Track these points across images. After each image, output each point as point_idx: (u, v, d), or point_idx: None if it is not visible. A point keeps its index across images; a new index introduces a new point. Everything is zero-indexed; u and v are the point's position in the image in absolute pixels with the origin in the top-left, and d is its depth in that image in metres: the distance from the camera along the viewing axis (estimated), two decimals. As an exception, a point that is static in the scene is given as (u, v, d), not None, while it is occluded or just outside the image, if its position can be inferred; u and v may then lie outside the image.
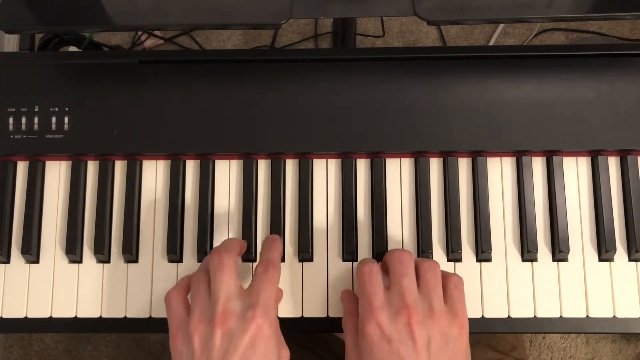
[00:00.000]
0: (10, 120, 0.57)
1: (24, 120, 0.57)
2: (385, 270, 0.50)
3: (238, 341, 0.44)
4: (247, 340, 0.44)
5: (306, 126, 0.56)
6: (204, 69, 0.58)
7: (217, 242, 0.56)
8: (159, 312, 0.55)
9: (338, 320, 0.53)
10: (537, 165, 0.57)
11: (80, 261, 0.56)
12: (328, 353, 0.74)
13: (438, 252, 0.55)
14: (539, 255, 0.55)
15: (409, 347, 0.44)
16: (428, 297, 0.47)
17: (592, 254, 0.55)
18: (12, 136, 0.56)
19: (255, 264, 0.55)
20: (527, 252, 0.54)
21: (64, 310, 0.55)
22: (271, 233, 0.55)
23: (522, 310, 0.54)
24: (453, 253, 0.54)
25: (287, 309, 0.54)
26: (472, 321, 0.54)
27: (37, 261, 0.56)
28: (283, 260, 0.56)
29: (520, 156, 0.56)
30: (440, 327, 0.45)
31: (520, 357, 0.75)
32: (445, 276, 0.50)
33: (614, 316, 0.54)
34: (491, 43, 1.33)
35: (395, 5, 0.55)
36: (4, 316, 0.55)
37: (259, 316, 0.44)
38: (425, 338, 0.44)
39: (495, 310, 0.54)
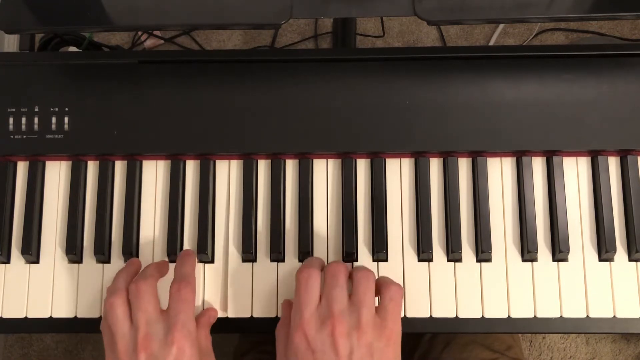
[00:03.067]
0: (10, 120, 0.57)
1: (24, 120, 0.57)
2: None
3: None
4: None
5: (306, 126, 0.56)
6: (204, 69, 0.58)
7: (217, 242, 0.56)
8: (159, 312, 0.55)
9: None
10: (537, 165, 0.57)
11: (80, 261, 0.56)
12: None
13: (438, 252, 0.55)
14: (539, 255, 0.55)
15: (331, 357, 0.45)
16: (357, 308, 0.47)
17: (592, 254, 0.55)
18: (12, 136, 0.56)
19: (254, 264, 0.55)
20: (527, 252, 0.54)
21: (64, 310, 0.55)
22: (271, 233, 0.55)
23: (522, 310, 0.54)
24: (453, 253, 0.54)
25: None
26: (472, 321, 0.54)
27: (37, 261, 0.56)
28: (283, 260, 0.56)
29: (520, 156, 0.56)
30: (365, 338, 0.45)
31: (516, 356, 0.75)
32: (383, 286, 0.49)
33: (614, 316, 0.54)
34: (491, 43, 1.33)
35: (395, 5, 0.55)
36: (4, 316, 0.55)
37: (178, 339, 0.46)
38: (347, 349, 0.45)
39: (495, 310, 0.54)
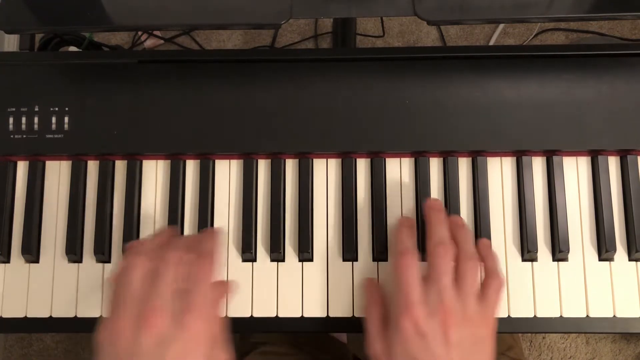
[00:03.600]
0: (10, 120, 0.57)
1: (24, 120, 0.57)
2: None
3: (169, 346, 0.42)
4: (179, 346, 0.42)
5: (306, 126, 0.56)
6: (204, 69, 0.58)
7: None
8: (159, 312, 0.55)
9: (340, 320, 0.53)
10: (537, 165, 0.57)
11: (80, 261, 0.56)
12: (324, 354, 0.74)
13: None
14: (539, 255, 0.55)
15: (442, 345, 0.45)
16: (464, 297, 0.47)
17: (592, 253, 0.55)
18: (12, 136, 0.56)
19: (254, 264, 0.55)
20: (527, 252, 0.54)
21: (64, 310, 0.55)
22: (271, 233, 0.55)
23: (522, 310, 0.54)
24: (453, 253, 0.54)
25: (288, 309, 0.54)
26: (472, 321, 0.54)
27: (37, 261, 0.56)
28: (283, 260, 0.56)
29: (520, 156, 0.56)
30: (472, 327, 0.46)
31: (517, 356, 0.75)
32: (489, 274, 0.50)
33: (614, 316, 0.54)
34: (491, 43, 1.33)
35: (395, 5, 0.55)
36: (4, 316, 0.55)
37: (193, 320, 0.43)
38: (457, 338, 0.45)
39: (495, 310, 0.54)
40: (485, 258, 0.51)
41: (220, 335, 0.46)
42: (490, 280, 0.50)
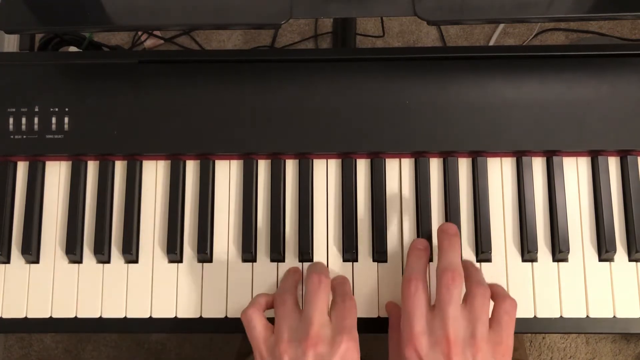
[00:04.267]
0: (10, 120, 0.57)
1: (24, 120, 0.57)
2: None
3: None
4: None
5: (306, 126, 0.56)
6: (204, 69, 0.58)
7: (217, 242, 0.56)
8: (159, 312, 0.55)
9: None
10: (537, 165, 0.57)
11: (80, 261, 0.56)
12: None
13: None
14: (539, 255, 0.55)
15: None
16: (472, 323, 0.46)
17: (592, 254, 0.55)
18: (12, 136, 0.56)
19: (254, 265, 0.55)
20: (527, 252, 0.54)
21: (64, 310, 0.55)
22: (271, 233, 0.55)
23: (522, 310, 0.54)
24: (453, 253, 0.54)
25: (287, 309, 0.54)
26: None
27: (37, 261, 0.56)
28: (283, 260, 0.56)
29: (520, 156, 0.56)
30: (481, 355, 0.45)
31: (520, 357, 0.75)
32: (498, 298, 0.49)
33: (614, 316, 0.54)
34: (491, 43, 1.33)
35: (395, 5, 0.55)
36: (4, 316, 0.55)
37: (347, 341, 0.46)
38: None
39: (491, 307, 0.54)
40: (492, 285, 0.51)
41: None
42: (501, 303, 0.48)
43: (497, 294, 0.50)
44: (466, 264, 0.51)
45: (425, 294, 0.48)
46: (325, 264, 0.55)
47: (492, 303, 0.50)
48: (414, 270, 0.50)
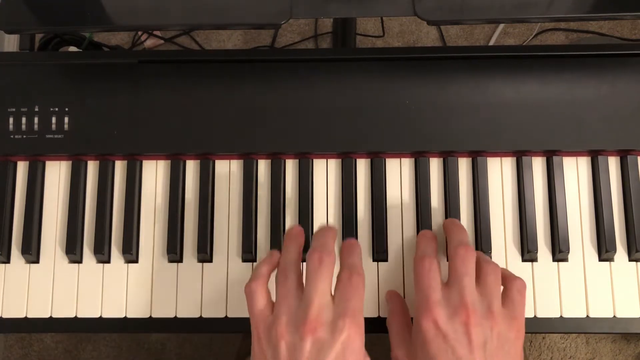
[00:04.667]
0: (10, 120, 0.57)
1: (24, 120, 0.57)
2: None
3: (328, 351, 0.42)
4: (337, 350, 0.42)
5: (306, 126, 0.56)
6: (204, 69, 0.58)
7: (217, 242, 0.56)
8: (159, 312, 0.55)
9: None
10: (537, 165, 0.57)
11: (80, 261, 0.56)
12: None
13: (443, 254, 0.55)
14: (539, 255, 0.55)
15: (464, 346, 0.43)
16: (487, 298, 0.46)
17: (592, 254, 0.55)
18: (12, 136, 0.56)
19: (255, 264, 0.55)
20: (527, 252, 0.54)
21: (64, 310, 0.55)
22: (271, 233, 0.55)
23: (522, 310, 0.54)
24: (453, 253, 0.54)
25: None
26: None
27: (37, 261, 0.56)
28: (283, 260, 0.56)
29: (520, 156, 0.56)
30: (497, 328, 0.45)
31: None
32: (509, 278, 0.49)
33: (614, 316, 0.54)
34: (491, 43, 1.33)
35: (395, 5, 0.55)
36: (4, 316, 0.55)
37: (349, 325, 0.43)
38: (481, 339, 0.44)
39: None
40: (502, 272, 0.51)
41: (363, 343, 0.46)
42: (512, 282, 0.48)
43: (505, 275, 0.50)
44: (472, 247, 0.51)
45: (438, 270, 0.47)
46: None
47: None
48: (425, 251, 0.49)
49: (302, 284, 0.47)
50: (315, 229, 0.56)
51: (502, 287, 0.49)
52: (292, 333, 0.43)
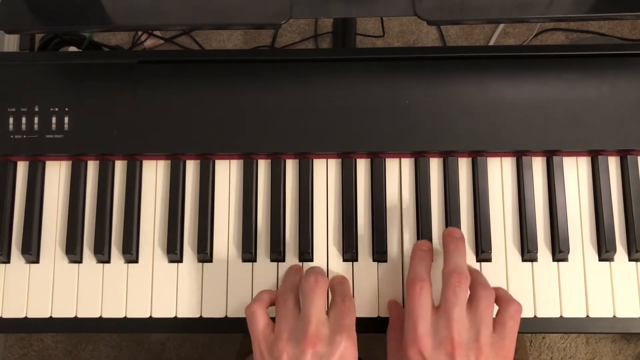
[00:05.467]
0: (10, 120, 0.57)
1: (24, 120, 0.57)
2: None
3: None
4: None
5: (306, 126, 0.56)
6: (204, 69, 0.58)
7: (217, 242, 0.56)
8: (159, 312, 0.55)
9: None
10: (537, 165, 0.57)
11: (80, 261, 0.56)
12: None
13: (438, 252, 0.55)
14: (539, 255, 0.55)
15: None
16: (476, 326, 0.46)
17: (592, 253, 0.55)
18: (12, 136, 0.56)
19: (254, 264, 0.55)
20: (527, 252, 0.54)
21: (64, 310, 0.55)
22: (271, 233, 0.55)
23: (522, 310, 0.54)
24: (453, 253, 0.54)
25: (287, 309, 0.54)
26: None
27: (37, 261, 0.56)
28: (283, 260, 0.56)
29: (520, 156, 0.56)
30: (483, 358, 0.45)
31: (521, 357, 0.75)
32: (503, 302, 0.49)
33: (614, 316, 0.54)
34: (491, 43, 1.33)
35: (395, 5, 0.55)
36: (4, 316, 0.55)
37: (346, 340, 0.46)
38: None
39: (495, 310, 0.54)
40: (497, 289, 0.51)
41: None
42: (506, 307, 0.48)
43: (501, 297, 0.49)
44: (470, 268, 0.51)
45: (429, 296, 0.48)
46: (325, 263, 0.55)
47: (496, 307, 0.49)
48: (418, 272, 0.50)
49: (300, 306, 0.50)
50: (315, 228, 0.56)
51: (496, 309, 0.49)
52: (293, 347, 0.46)
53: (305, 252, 0.55)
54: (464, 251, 0.51)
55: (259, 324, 0.49)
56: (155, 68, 0.58)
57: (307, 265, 0.55)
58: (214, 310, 0.55)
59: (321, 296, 0.49)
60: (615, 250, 0.54)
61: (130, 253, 0.55)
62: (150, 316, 0.55)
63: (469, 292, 0.48)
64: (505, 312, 0.48)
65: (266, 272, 0.55)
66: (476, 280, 0.49)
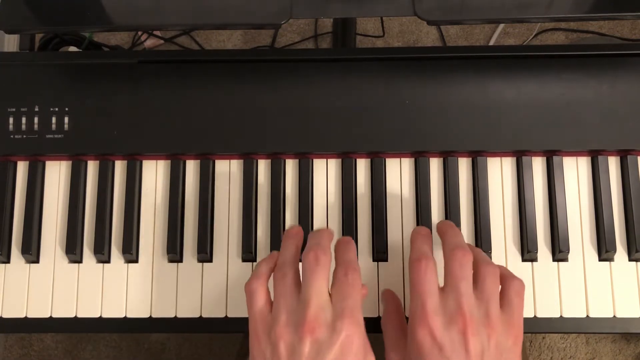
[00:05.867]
0: (10, 120, 0.57)
1: (24, 120, 0.57)
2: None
3: (327, 352, 0.41)
4: (336, 351, 0.41)
5: (306, 126, 0.56)
6: (204, 69, 0.58)
7: (217, 242, 0.56)
8: (159, 312, 0.55)
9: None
10: (537, 165, 0.57)
11: (80, 261, 0.56)
12: None
13: (438, 252, 0.55)
14: (539, 255, 0.55)
15: (461, 357, 0.42)
16: (485, 303, 0.44)
17: (592, 253, 0.55)
18: (12, 136, 0.56)
19: (254, 264, 0.55)
20: (527, 252, 0.54)
21: (64, 310, 0.55)
22: (271, 233, 0.55)
23: (522, 310, 0.54)
24: (453, 253, 0.54)
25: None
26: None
27: (37, 261, 0.56)
28: (283, 260, 0.56)
29: (520, 156, 0.56)
30: (495, 337, 0.43)
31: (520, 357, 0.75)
32: (506, 278, 0.47)
33: (614, 316, 0.54)
34: (491, 43, 1.33)
35: (395, 5, 0.55)
36: (4, 316, 0.55)
37: (348, 326, 0.42)
38: (479, 348, 0.42)
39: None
40: (501, 271, 0.48)
41: (366, 338, 0.45)
42: (510, 283, 0.46)
43: (504, 275, 0.48)
44: (470, 246, 0.50)
45: (435, 273, 0.46)
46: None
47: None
48: (422, 250, 0.47)
49: (300, 282, 0.46)
50: (315, 229, 0.56)
51: (500, 287, 0.47)
52: (291, 334, 0.43)
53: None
54: (460, 233, 0.49)
55: (258, 302, 0.45)
56: (155, 68, 0.58)
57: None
58: (214, 310, 0.55)
59: (322, 276, 0.45)
60: (615, 250, 0.54)
61: (130, 253, 0.55)
62: (150, 316, 0.55)
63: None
64: (510, 289, 0.46)
65: (266, 272, 0.55)
66: (478, 258, 0.47)
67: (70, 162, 0.58)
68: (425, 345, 0.43)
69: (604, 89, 0.56)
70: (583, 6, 0.55)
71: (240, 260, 0.56)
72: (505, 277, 0.47)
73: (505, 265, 0.55)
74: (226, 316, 0.55)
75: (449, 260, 0.46)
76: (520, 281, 0.47)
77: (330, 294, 0.45)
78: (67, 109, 0.57)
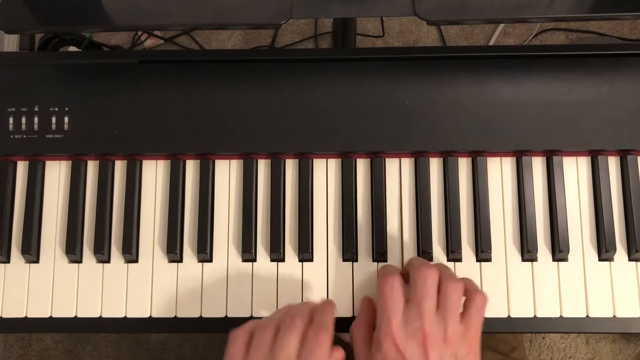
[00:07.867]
0: (10, 120, 0.57)
1: (24, 120, 0.57)
2: (406, 275, 0.51)
3: None
4: None
5: (306, 126, 0.56)
6: (204, 69, 0.58)
7: (217, 242, 0.56)
8: (159, 312, 0.55)
9: (341, 320, 0.53)
10: (537, 165, 0.57)
11: (80, 261, 0.56)
12: None
13: (438, 252, 0.55)
14: (539, 255, 0.55)
15: None
16: (445, 320, 0.47)
17: (592, 253, 0.55)
18: (12, 136, 0.56)
19: (254, 264, 0.55)
20: (527, 252, 0.54)
21: (64, 310, 0.55)
22: (271, 233, 0.55)
23: (522, 310, 0.54)
24: (453, 253, 0.54)
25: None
26: (472, 321, 0.54)
27: (37, 261, 0.56)
28: (283, 260, 0.56)
29: (520, 156, 0.56)
30: (452, 348, 0.47)
31: (520, 357, 0.75)
32: (470, 293, 0.50)
33: (614, 316, 0.54)
34: (491, 43, 1.33)
35: (395, 5, 0.55)
36: (4, 316, 0.55)
37: None
38: (438, 358, 0.46)
39: (495, 310, 0.54)
40: (463, 279, 0.51)
41: None
42: (472, 298, 0.49)
43: (468, 289, 0.50)
44: (437, 264, 0.52)
45: (401, 290, 0.49)
46: (325, 263, 0.55)
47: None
48: (388, 269, 0.52)
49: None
50: (315, 229, 0.56)
51: (463, 299, 0.50)
52: None
53: (305, 252, 0.55)
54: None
55: (235, 349, 0.47)
56: (155, 68, 0.58)
57: (307, 266, 0.55)
58: (214, 310, 0.55)
59: (295, 335, 0.47)
60: (615, 250, 0.54)
61: (130, 253, 0.55)
62: (150, 316, 0.55)
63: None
64: (472, 305, 0.49)
65: (266, 272, 0.55)
66: (443, 274, 0.50)
67: (70, 162, 0.58)
68: (389, 356, 0.47)
69: (603, 89, 0.56)
70: (583, 6, 0.55)
71: (240, 260, 0.56)
72: (469, 292, 0.50)
73: (505, 266, 0.55)
74: (226, 316, 0.55)
75: (414, 277, 0.49)
76: (483, 296, 0.49)
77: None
78: (67, 108, 0.57)
